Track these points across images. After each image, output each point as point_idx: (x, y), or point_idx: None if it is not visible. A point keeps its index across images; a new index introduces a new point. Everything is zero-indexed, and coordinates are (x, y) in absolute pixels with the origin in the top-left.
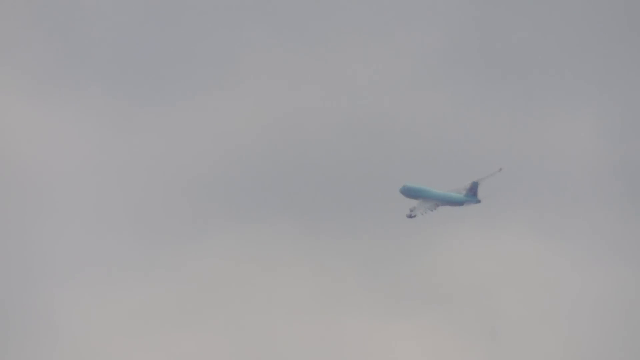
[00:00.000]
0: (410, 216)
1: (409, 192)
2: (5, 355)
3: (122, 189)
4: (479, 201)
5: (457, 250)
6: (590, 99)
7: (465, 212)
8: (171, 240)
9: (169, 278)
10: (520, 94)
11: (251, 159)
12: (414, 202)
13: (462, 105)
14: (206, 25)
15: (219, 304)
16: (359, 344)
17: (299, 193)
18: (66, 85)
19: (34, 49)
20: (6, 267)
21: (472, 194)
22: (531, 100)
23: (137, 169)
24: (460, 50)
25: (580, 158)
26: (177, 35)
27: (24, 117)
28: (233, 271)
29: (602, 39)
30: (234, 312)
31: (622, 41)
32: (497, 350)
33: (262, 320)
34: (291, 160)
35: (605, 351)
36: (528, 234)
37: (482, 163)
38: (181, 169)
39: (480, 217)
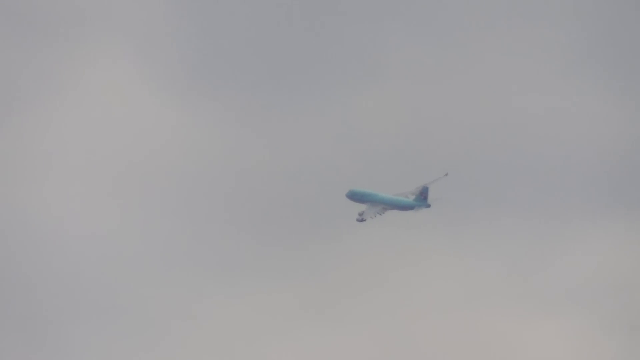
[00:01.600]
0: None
1: (355, 197)
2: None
3: (262, 188)
4: (429, 205)
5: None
6: None
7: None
8: (312, 237)
9: (310, 274)
10: None
11: (392, 156)
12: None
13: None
14: (344, 26)
15: (361, 300)
16: (505, 342)
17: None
18: (207, 85)
19: (176, 48)
20: (150, 264)
21: (422, 198)
22: None
23: (277, 168)
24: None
25: None
26: (314, 36)
27: (165, 116)
28: (377, 267)
29: None
30: (378, 308)
31: None
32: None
33: (406, 316)
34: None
35: None
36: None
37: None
38: (323, 167)
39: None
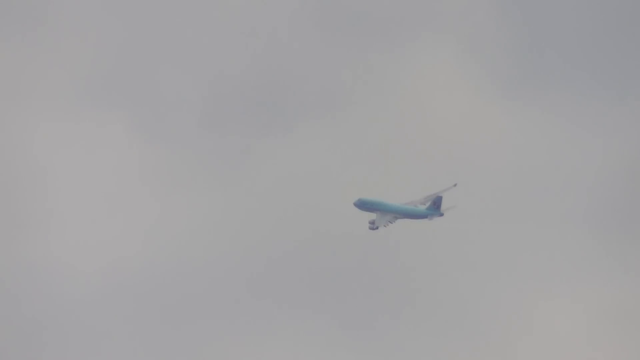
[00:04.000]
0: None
1: (364, 206)
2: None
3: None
4: (442, 214)
5: None
6: None
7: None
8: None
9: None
10: None
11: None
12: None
13: None
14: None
15: None
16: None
17: None
18: (530, 85)
19: (501, 47)
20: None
21: (435, 207)
22: None
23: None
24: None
25: None
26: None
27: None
28: None
29: None
30: None
31: None
32: None
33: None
34: None
35: None
36: None
37: None
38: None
39: None
